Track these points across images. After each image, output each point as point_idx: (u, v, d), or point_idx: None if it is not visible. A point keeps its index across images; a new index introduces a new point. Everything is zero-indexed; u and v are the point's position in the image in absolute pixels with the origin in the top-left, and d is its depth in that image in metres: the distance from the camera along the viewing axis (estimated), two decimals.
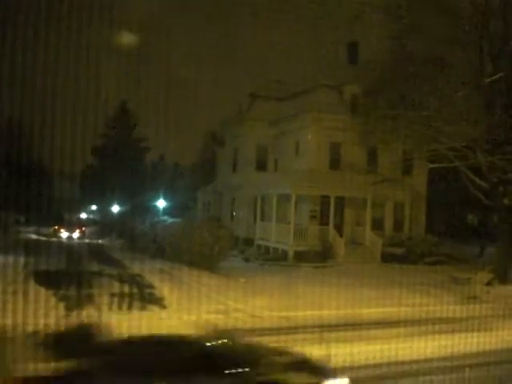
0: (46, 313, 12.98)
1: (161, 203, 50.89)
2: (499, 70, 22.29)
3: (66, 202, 59.81)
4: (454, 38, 22.95)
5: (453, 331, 13.37)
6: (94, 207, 75.55)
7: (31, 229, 47.50)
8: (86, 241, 48.27)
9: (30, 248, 28.98)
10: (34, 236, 43.74)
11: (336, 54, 38.97)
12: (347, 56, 38.25)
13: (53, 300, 14.84)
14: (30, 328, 11.50)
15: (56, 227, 50.64)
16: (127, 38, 33.02)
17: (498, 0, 22.79)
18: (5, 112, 39.56)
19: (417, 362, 10.70)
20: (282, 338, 12.31)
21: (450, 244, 32.19)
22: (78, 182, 67.50)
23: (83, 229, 54.29)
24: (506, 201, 23.41)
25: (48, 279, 18.06)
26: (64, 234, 50.31)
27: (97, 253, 32.81)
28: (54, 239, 45.29)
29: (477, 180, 24.04)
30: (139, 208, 52.31)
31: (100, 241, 47.34)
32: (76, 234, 51.25)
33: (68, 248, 37.16)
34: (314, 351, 10.93)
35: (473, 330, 13.64)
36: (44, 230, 47.80)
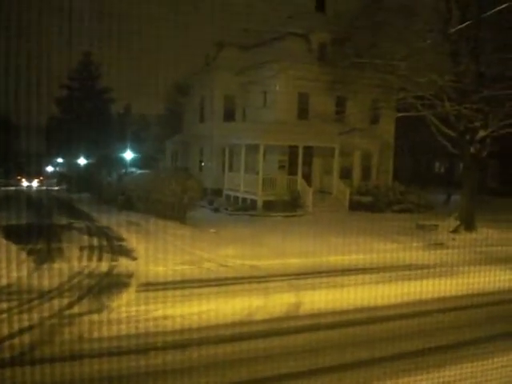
0: (16, 267, 12.94)
1: (128, 155, 50.37)
2: (467, 19, 22.23)
3: (32, 155, 62.36)
4: None
5: (418, 277, 13.66)
6: (60, 160, 74.62)
7: None
8: (43, 188, 56.69)
9: None
10: None
11: (303, 1, 38.43)
12: (315, 3, 37.74)
13: (22, 255, 14.77)
14: (2, 282, 11.51)
15: (18, 177, 58.16)
16: None
17: None
18: None
19: (383, 308, 10.93)
20: (252, 286, 12.49)
21: (417, 192, 32.58)
22: (43, 134, 66.61)
23: (41, 178, 63.43)
24: (472, 149, 23.69)
25: (17, 234, 17.95)
26: (25, 183, 58.49)
27: (64, 206, 32.58)
28: (16, 187, 52.42)
29: (444, 128, 24.22)
30: (106, 160, 51.87)
31: (56, 188, 54.52)
32: (35, 183, 60.23)
33: (36, 201, 36.86)
34: (283, 298, 11.16)
35: (438, 276, 13.96)
36: (7, 182, 53.58)
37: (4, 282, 11.58)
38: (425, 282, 13.07)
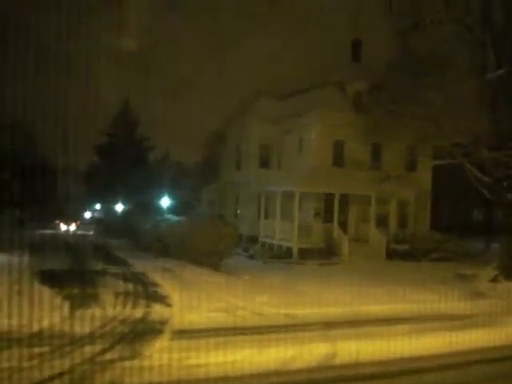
0: (50, 313, 12.99)
1: (165, 202, 50.92)
2: (503, 65, 22.21)
3: (71, 200, 66.02)
4: (457, 33, 22.88)
5: (459, 327, 13.31)
6: (98, 206, 75.96)
7: (36, 224, 52.43)
8: (80, 232, 58.41)
9: (35, 246, 29.06)
10: (38, 231, 48.72)
11: (340, 51, 38.94)
12: (351, 53, 38.19)
13: (58, 299, 14.87)
14: (35, 328, 11.56)
15: (56, 222, 61.58)
16: (131, 39, 33.03)
17: None
18: (9, 111, 39.86)
19: (421, 359, 10.65)
20: (286, 335, 12.31)
21: (455, 240, 32.07)
22: (82, 179, 68.43)
23: (78, 223, 66.64)
24: (510, 196, 23.33)
25: (53, 279, 18.15)
26: (62, 227, 61.48)
27: (101, 251, 32.87)
28: (55, 232, 54.87)
29: (481, 176, 23.96)
30: (143, 207, 52.46)
31: (92, 232, 56.33)
32: (72, 227, 63.01)
33: (73, 246, 37.29)
34: (318, 348, 10.95)
35: (478, 326, 13.59)
36: (47, 225, 56.24)
37: (38, 327, 11.63)
38: (464, 332, 12.72)
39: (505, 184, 23.34)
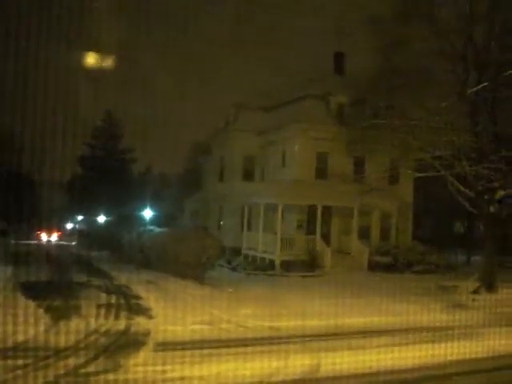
0: (32, 324, 12.90)
1: (147, 213, 50.77)
2: (483, 80, 22.48)
3: (53, 211, 66.07)
4: (439, 48, 23.13)
5: (439, 340, 13.39)
6: (80, 217, 75.58)
7: (17, 235, 53.46)
8: (62, 242, 59.88)
9: (17, 257, 28.90)
10: (19, 241, 49.39)
11: (322, 64, 39.20)
12: (333, 66, 38.46)
13: (40, 311, 14.77)
14: (17, 339, 11.46)
15: (38, 232, 61.82)
16: (113, 51, 33.03)
17: (482, 10, 22.98)
18: None
19: (403, 371, 10.70)
20: (268, 347, 12.31)
21: (437, 252, 32.28)
22: (64, 191, 68.19)
23: (60, 233, 67.05)
24: (491, 209, 23.56)
25: (35, 290, 18.02)
26: (44, 237, 62.25)
27: (83, 264, 32.66)
28: (36, 242, 55.67)
29: (462, 188, 24.17)
30: (125, 218, 52.29)
31: (74, 242, 57.59)
32: (54, 238, 63.97)
33: (55, 258, 37.05)
34: (302, 360, 10.97)
35: (459, 339, 13.67)
36: (28, 235, 56.48)
37: (20, 338, 11.53)
38: (445, 344, 12.79)
39: (486, 197, 23.57)
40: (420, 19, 23.42)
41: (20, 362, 9.85)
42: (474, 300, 21.39)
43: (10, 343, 11.13)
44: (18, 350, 10.82)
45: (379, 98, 25.84)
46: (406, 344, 12.99)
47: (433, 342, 13.12)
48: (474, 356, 11.96)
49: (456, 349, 12.33)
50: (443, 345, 12.69)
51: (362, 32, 25.65)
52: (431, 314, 17.57)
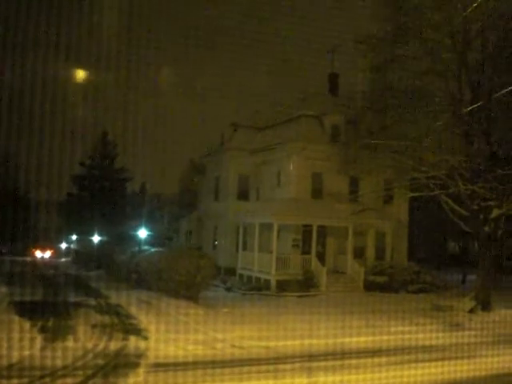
0: (25, 345, 12.79)
1: (142, 233, 50.55)
2: (478, 99, 22.59)
3: (48, 231, 70.59)
4: (433, 68, 23.26)
5: (436, 359, 13.31)
6: (74, 237, 75.38)
7: (12, 253, 56.94)
8: (57, 261, 61.73)
9: (11, 275, 28.84)
10: (14, 259, 51.59)
11: (317, 84, 39.37)
12: (328, 87, 38.65)
13: (34, 331, 14.66)
14: (11, 360, 11.35)
15: (33, 250, 65.37)
16: (109, 70, 33.15)
17: (476, 30, 23.14)
18: None
19: None
20: (264, 367, 12.20)
21: (433, 272, 32.24)
22: (59, 210, 68.28)
23: (53, 251, 70.47)
24: (486, 228, 23.57)
25: (29, 310, 17.93)
26: (38, 254, 65.65)
27: (78, 283, 32.51)
28: (31, 260, 58.11)
29: (457, 208, 24.19)
30: (120, 238, 52.10)
31: (68, 261, 59.65)
32: (47, 254, 67.57)
33: (49, 278, 36.85)
34: (299, 381, 10.87)
35: (456, 358, 13.60)
36: (23, 254, 60.06)
37: (14, 359, 11.42)
38: (443, 364, 12.72)
39: (481, 216, 23.58)
40: (413, 39, 23.56)
41: (14, 382, 9.77)
42: (470, 319, 21.32)
43: (4, 363, 11.03)
44: (11, 370, 10.70)
45: (373, 118, 25.93)
46: (404, 364, 12.90)
47: (430, 361, 13.06)
48: (472, 375, 11.93)
49: (454, 368, 12.26)
50: (441, 365, 12.63)
51: (356, 52, 25.70)
52: (428, 333, 17.56)
